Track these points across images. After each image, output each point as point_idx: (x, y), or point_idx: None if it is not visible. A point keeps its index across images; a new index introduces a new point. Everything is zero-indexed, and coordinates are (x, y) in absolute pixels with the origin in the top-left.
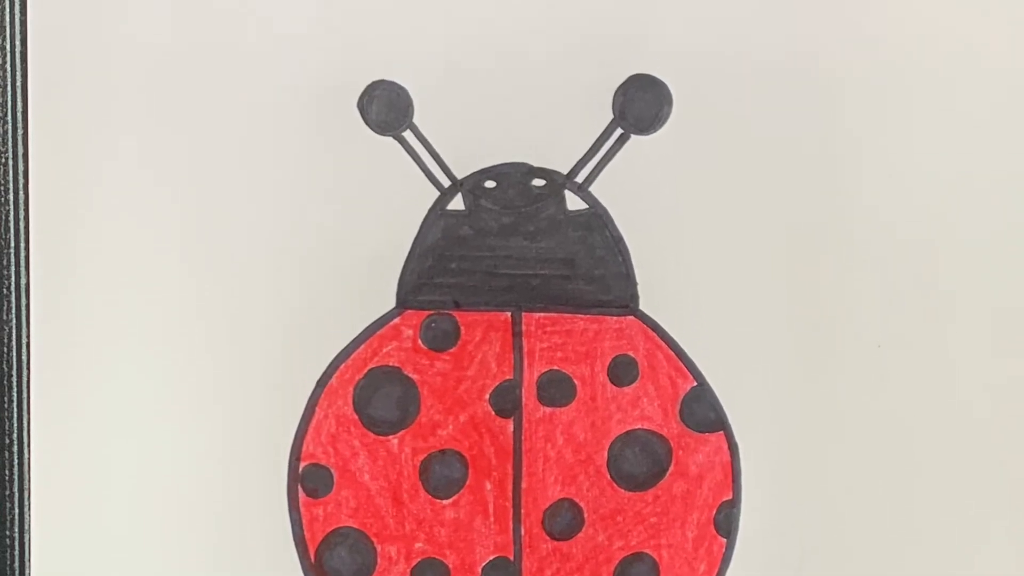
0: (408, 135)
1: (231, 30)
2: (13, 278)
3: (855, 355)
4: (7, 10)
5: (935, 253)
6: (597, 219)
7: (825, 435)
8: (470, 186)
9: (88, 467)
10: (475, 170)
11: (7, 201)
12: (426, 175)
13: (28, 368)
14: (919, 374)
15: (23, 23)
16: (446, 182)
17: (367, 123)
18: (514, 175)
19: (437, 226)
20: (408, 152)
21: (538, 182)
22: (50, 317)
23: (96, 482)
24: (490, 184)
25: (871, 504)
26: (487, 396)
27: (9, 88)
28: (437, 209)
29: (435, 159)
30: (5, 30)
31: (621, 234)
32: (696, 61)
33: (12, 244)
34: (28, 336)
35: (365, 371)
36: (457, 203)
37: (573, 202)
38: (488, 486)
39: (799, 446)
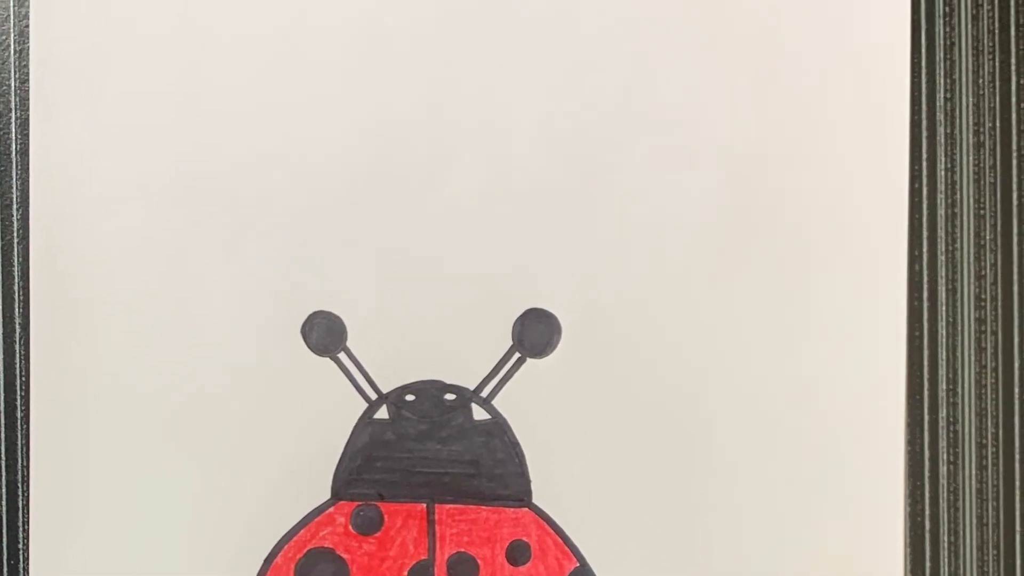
0: (342, 356)
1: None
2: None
3: (712, 541)
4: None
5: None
6: (498, 427)
7: None
8: (393, 399)
9: None
10: (398, 385)
11: None
12: (357, 390)
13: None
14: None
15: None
16: (373, 395)
17: (308, 347)
18: (430, 390)
19: (365, 432)
20: (342, 371)
21: (450, 396)
22: None
23: None
24: (410, 397)
25: None
26: (406, 573)
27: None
28: (365, 418)
29: (364, 376)
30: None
31: (517, 440)
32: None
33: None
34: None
35: (305, 551)
36: (382, 413)
37: (478, 413)
38: None
39: None
